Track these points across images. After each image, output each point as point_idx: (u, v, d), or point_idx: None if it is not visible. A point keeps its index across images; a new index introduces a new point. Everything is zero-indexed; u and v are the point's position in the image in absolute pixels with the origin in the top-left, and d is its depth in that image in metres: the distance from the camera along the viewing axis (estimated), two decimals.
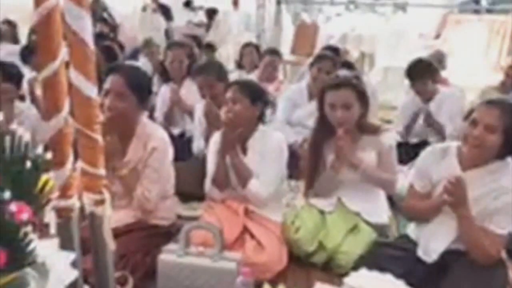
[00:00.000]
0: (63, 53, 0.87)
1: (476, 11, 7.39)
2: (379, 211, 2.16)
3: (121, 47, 4.82)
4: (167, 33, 6.53)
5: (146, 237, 1.90)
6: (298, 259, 2.00)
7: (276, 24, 6.78)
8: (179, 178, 2.14)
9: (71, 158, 0.92)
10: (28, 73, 3.32)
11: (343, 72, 2.22)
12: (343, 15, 8.74)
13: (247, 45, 4.44)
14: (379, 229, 2.07)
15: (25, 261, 0.74)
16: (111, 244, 0.99)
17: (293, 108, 3.35)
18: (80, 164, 0.95)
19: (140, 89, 1.92)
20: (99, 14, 6.07)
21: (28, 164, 0.77)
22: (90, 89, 0.91)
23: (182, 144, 2.92)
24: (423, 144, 2.63)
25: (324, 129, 2.12)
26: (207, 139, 2.49)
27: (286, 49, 6.78)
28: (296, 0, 8.06)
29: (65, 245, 0.87)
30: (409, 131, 3.20)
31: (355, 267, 1.74)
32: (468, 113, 1.72)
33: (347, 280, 1.57)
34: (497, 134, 1.61)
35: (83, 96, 0.91)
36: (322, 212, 2.10)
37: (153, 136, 1.94)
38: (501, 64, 5.29)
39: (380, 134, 2.08)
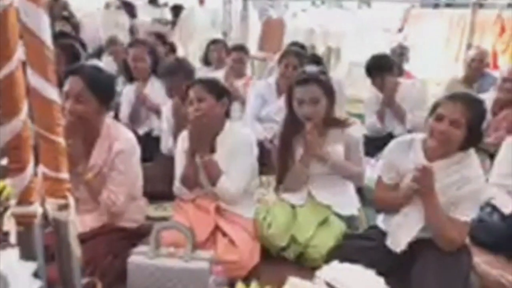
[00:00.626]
0: (20, 53, 0.83)
1: (437, 5, 7.60)
2: (349, 203, 2.20)
3: (84, 46, 4.67)
4: (132, 31, 6.39)
5: (115, 241, 1.85)
6: (270, 255, 2.01)
7: (243, 20, 6.75)
8: (147, 178, 2.11)
9: (31, 163, 0.88)
10: None
11: (310, 68, 2.24)
12: (309, 11, 8.81)
13: (214, 41, 4.40)
14: (349, 221, 2.12)
15: None
16: (77, 250, 0.96)
17: (262, 104, 3.36)
18: (41, 168, 0.92)
19: (101, 90, 1.86)
20: (58, 12, 5.86)
21: None
22: (50, 91, 0.87)
23: (149, 142, 2.87)
24: (389, 137, 2.68)
25: (293, 124, 2.15)
26: (175, 138, 2.46)
27: (253, 45, 6.77)
28: None
29: (27, 254, 0.84)
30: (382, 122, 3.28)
31: (327, 260, 1.78)
32: (433, 107, 1.77)
33: (319, 273, 1.59)
34: (461, 128, 1.68)
35: (43, 98, 0.87)
36: (293, 207, 2.13)
37: (118, 138, 1.90)
38: (461, 56, 5.46)
39: (347, 127, 2.12)
